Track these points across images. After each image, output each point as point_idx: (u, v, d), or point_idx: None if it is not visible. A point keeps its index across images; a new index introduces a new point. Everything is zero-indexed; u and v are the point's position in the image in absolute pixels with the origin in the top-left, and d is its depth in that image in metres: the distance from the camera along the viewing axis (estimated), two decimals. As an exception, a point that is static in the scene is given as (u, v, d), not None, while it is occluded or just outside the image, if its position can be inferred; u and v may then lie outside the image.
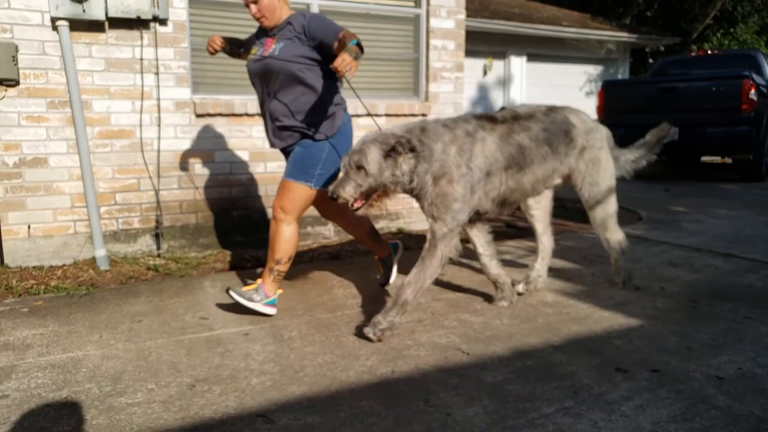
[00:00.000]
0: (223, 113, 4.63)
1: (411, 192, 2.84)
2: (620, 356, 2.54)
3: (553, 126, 3.12)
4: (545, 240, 3.55)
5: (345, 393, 2.23)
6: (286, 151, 3.21)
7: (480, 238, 3.21)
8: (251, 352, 2.64)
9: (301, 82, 3.00)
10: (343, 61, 2.63)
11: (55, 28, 4.01)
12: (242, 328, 2.93)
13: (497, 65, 12.05)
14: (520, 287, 3.40)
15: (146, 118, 4.39)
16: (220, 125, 4.66)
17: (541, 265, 3.51)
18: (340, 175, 2.74)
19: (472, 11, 5.42)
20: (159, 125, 4.43)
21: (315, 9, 4.91)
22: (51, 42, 4.05)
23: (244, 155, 4.78)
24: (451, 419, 2.03)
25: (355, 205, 2.73)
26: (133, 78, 4.33)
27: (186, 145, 4.55)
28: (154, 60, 4.37)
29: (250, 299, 3.01)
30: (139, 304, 3.33)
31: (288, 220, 3.02)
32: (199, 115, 4.56)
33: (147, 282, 3.85)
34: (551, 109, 3.21)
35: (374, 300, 3.34)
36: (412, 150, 2.68)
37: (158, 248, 4.51)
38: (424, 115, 5.33)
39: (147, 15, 4.20)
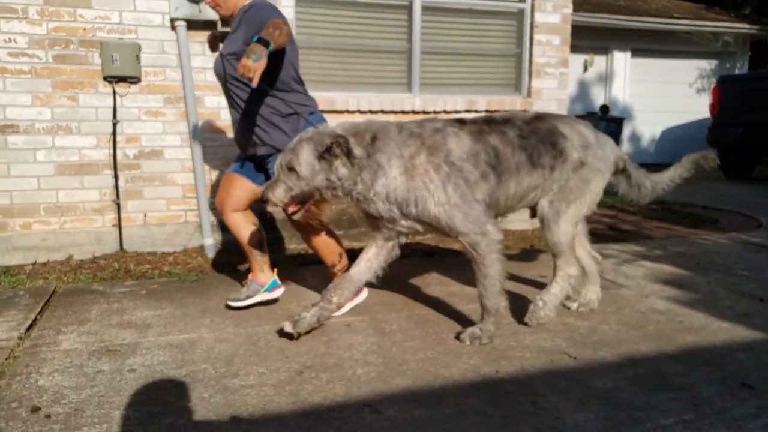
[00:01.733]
0: (325, 110, 4.69)
1: (363, 207, 2.52)
2: (745, 371, 2.36)
3: (535, 136, 2.66)
4: (585, 258, 3.05)
5: (449, 389, 2.21)
6: (250, 158, 3.00)
7: (376, 250, 2.77)
8: (354, 342, 2.68)
9: (247, 86, 2.71)
10: (242, 68, 2.35)
11: (173, 28, 4.26)
12: (344, 319, 2.98)
13: (599, 61, 11.56)
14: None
15: (253, 113, 4.56)
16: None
17: (592, 289, 3.09)
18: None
19: (573, 5, 5.22)
20: (265, 120, 4.59)
21: (417, 5, 4.91)
22: (169, 41, 4.30)
23: (343, 150, 4.84)
24: (560, 423, 1.96)
25: (289, 210, 2.50)
26: (243, 75, 4.51)
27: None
28: (262, 57, 4.53)
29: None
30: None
31: (306, 229, 3.02)
32: (302, 111, 4.68)
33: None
34: (538, 117, 2.76)
35: (471, 298, 3.28)
36: (349, 155, 2.36)
37: (261, 239, 4.69)
38: (525, 111, 5.19)
39: (257, 14, 4.36)
